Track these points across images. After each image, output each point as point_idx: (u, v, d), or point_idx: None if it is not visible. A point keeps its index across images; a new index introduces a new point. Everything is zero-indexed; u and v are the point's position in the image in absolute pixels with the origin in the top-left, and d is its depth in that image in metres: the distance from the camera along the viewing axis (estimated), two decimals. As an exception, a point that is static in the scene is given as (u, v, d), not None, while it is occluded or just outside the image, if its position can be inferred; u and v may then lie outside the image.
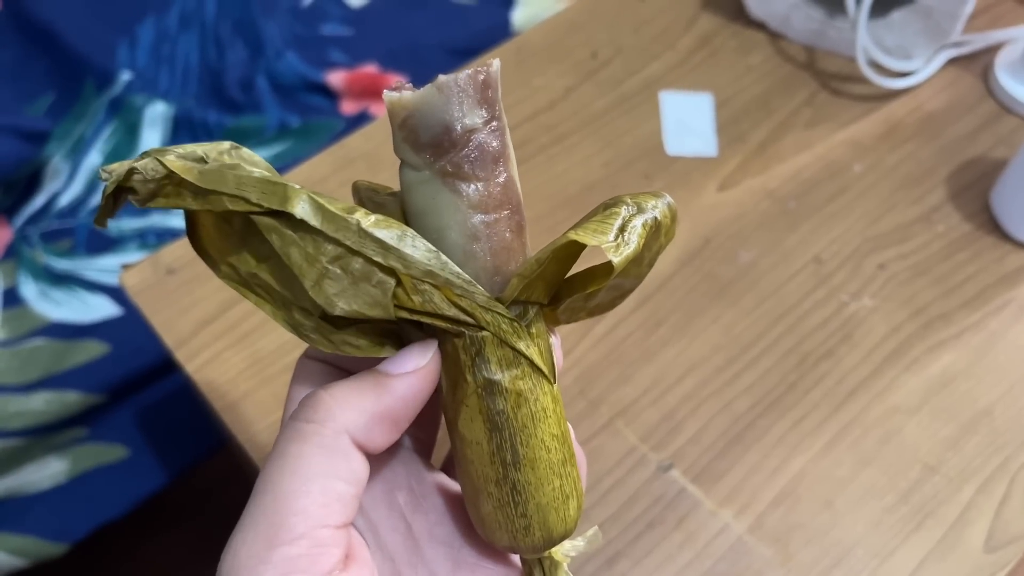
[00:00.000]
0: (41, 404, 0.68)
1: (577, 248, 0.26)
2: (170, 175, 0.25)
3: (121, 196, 0.26)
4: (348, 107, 0.83)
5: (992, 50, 0.65)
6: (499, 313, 0.26)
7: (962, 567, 0.45)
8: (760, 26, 0.67)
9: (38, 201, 0.77)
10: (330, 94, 0.83)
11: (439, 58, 0.84)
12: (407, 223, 0.27)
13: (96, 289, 0.72)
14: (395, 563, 0.28)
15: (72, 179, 0.78)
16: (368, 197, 0.29)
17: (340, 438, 0.25)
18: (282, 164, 0.78)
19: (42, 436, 0.68)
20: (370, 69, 0.84)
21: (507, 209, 0.27)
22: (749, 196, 0.58)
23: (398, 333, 0.28)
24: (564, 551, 0.31)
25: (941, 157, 0.60)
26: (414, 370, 0.26)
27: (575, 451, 0.29)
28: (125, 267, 0.53)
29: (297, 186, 0.25)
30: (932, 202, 0.58)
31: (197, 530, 0.88)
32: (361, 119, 0.82)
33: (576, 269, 0.28)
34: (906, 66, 0.63)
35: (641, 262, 0.29)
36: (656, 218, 0.28)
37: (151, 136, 0.80)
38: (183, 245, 0.55)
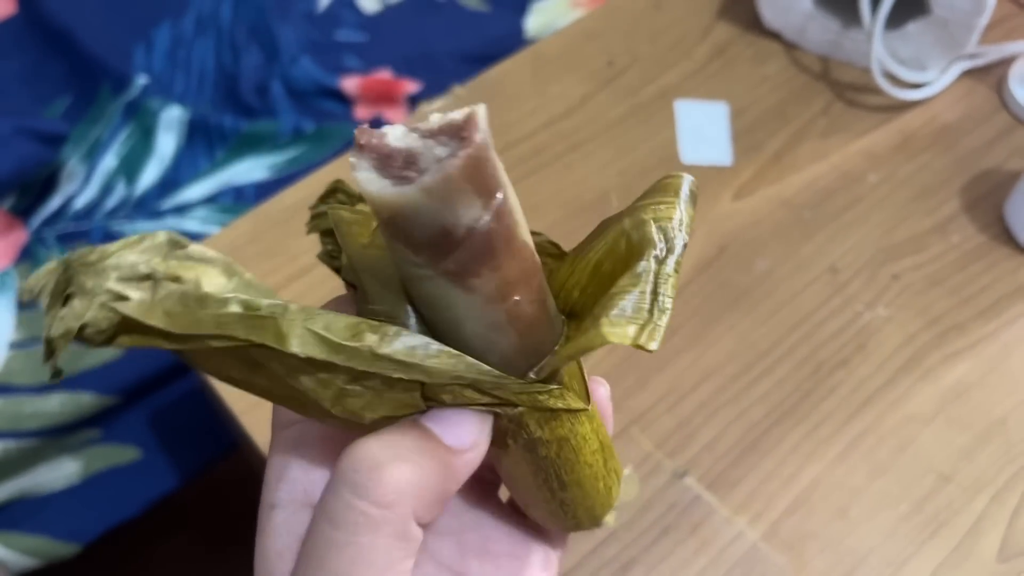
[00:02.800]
0: (56, 405, 0.68)
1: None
2: (127, 319, 0.22)
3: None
4: (362, 112, 0.83)
5: (1006, 62, 0.65)
6: (535, 392, 0.24)
7: (977, 577, 0.45)
8: (776, 36, 0.68)
9: (54, 203, 0.78)
10: (344, 99, 0.84)
11: (452, 64, 0.85)
12: (410, 301, 0.24)
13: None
14: None
15: (88, 182, 0.79)
16: (346, 242, 0.25)
17: (409, 523, 0.23)
18: (296, 168, 0.79)
19: (56, 437, 0.68)
20: (384, 75, 0.84)
21: (525, 283, 0.23)
22: (764, 205, 0.59)
23: None
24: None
25: (955, 168, 0.61)
26: (473, 446, 0.24)
27: (608, 425, 0.29)
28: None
29: (287, 312, 0.22)
30: (946, 213, 0.59)
31: (209, 532, 0.89)
32: (375, 125, 0.82)
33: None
34: (921, 77, 0.63)
35: None
36: (687, 242, 0.25)
37: (166, 140, 0.81)
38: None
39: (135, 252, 0.23)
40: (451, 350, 0.23)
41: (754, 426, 0.50)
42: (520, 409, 0.24)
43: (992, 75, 0.66)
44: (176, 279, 0.23)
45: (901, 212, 0.59)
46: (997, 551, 0.46)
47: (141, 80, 0.82)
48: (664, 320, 0.23)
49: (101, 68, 0.83)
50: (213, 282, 0.24)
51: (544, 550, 0.31)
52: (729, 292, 0.55)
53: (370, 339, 0.22)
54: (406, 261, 0.22)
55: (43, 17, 0.86)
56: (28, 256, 0.74)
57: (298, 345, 0.22)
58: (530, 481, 0.27)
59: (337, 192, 0.29)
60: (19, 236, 0.76)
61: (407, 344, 0.22)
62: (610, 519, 0.31)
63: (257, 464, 0.54)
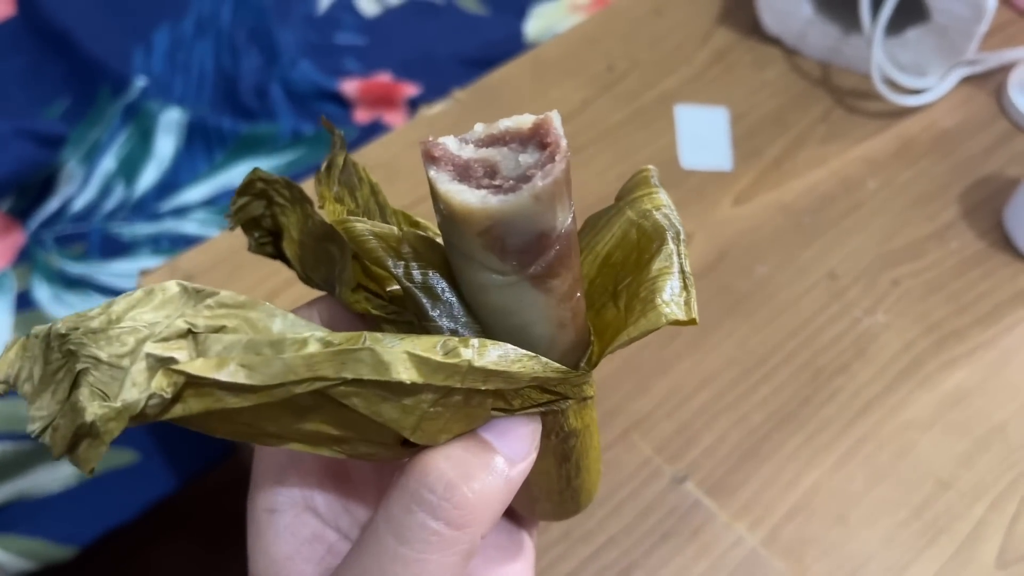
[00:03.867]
0: (53, 407, 0.68)
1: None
2: (193, 380, 0.21)
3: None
4: (361, 116, 0.83)
5: (1005, 69, 0.66)
6: (583, 382, 0.25)
7: (976, 583, 0.45)
8: (775, 42, 0.68)
9: (52, 205, 0.78)
10: (343, 103, 0.84)
11: (452, 68, 0.85)
12: (472, 309, 0.24)
13: (110, 294, 0.73)
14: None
15: (86, 183, 0.79)
16: (413, 254, 0.24)
17: (477, 541, 0.24)
18: (295, 172, 0.79)
19: (53, 439, 0.68)
20: (384, 78, 0.84)
21: (581, 278, 0.24)
22: (764, 211, 0.59)
23: None
24: None
25: (955, 174, 0.61)
26: (527, 455, 0.24)
27: None
28: (143, 273, 0.53)
29: (381, 345, 0.21)
30: (946, 219, 0.59)
31: (206, 536, 0.89)
32: (374, 128, 0.82)
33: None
34: (920, 83, 0.63)
35: None
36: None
37: (165, 142, 0.81)
38: (201, 252, 0.56)
39: (149, 310, 0.21)
40: (529, 353, 0.23)
41: (753, 431, 0.50)
42: (570, 402, 0.25)
43: (991, 81, 0.66)
44: (220, 330, 0.22)
45: (900, 218, 0.59)
46: (996, 557, 0.46)
47: (140, 82, 0.82)
48: (695, 292, 0.24)
49: (100, 70, 0.83)
50: (265, 325, 0.22)
51: (525, 536, 0.33)
52: (728, 297, 0.55)
53: (466, 353, 0.22)
54: (487, 270, 0.22)
55: (42, 18, 0.86)
56: (26, 258, 0.74)
57: (403, 372, 0.21)
58: (553, 474, 0.28)
59: (256, 183, 0.27)
60: (17, 238, 0.76)
61: (497, 353, 0.22)
62: None
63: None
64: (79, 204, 0.77)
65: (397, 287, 0.24)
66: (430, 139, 0.21)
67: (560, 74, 0.66)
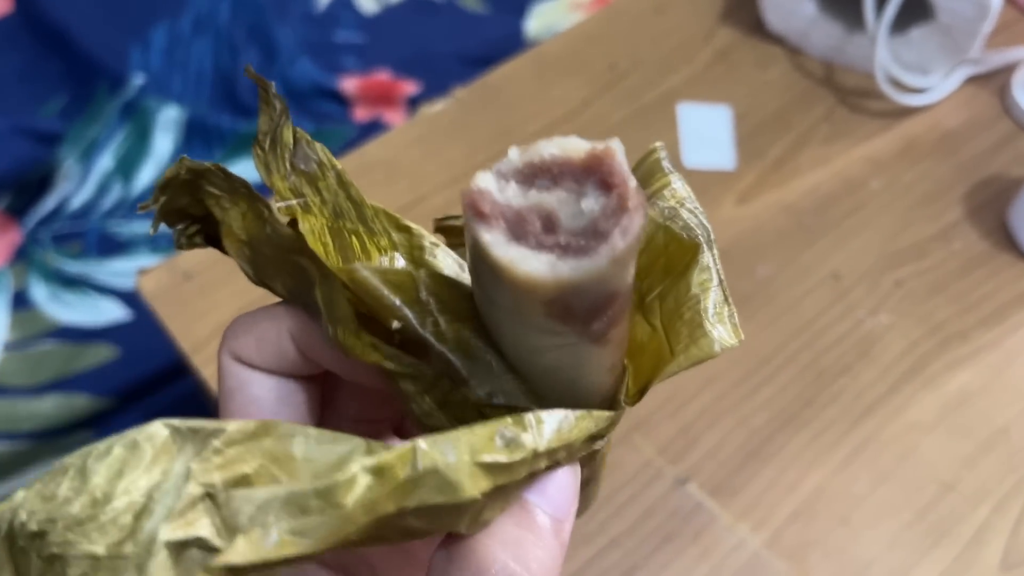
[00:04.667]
0: (50, 407, 0.67)
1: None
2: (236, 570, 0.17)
3: None
4: (361, 114, 0.83)
5: (1010, 68, 0.65)
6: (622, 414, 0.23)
7: (980, 586, 0.45)
8: (778, 40, 0.67)
9: (49, 203, 0.77)
10: (342, 101, 0.83)
11: (452, 66, 0.85)
12: (514, 365, 0.21)
13: (106, 292, 0.72)
14: None
15: (84, 182, 0.78)
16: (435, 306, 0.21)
17: None
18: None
19: (50, 439, 0.68)
20: (383, 76, 0.84)
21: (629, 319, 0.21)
22: (767, 210, 0.58)
23: None
24: None
25: (958, 175, 0.60)
26: (572, 509, 0.22)
27: None
28: (142, 272, 0.53)
29: (441, 458, 0.18)
30: (949, 219, 0.58)
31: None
32: (374, 127, 0.82)
33: None
34: (924, 83, 0.63)
35: None
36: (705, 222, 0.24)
37: (163, 140, 0.80)
38: (200, 250, 0.55)
39: (141, 472, 0.17)
40: (581, 412, 0.20)
41: (756, 433, 0.50)
42: (608, 437, 0.22)
43: (995, 81, 0.65)
44: (242, 481, 0.17)
45: (903, 218, 0.58)
46: (1000, 560, 0.46)
47: (138, 80, 0.82)
48: (733, 304, 0.22)
49: (98, 67, 0.82)
50: (286, 452, 0.18)
51: None
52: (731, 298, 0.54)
53: (527, 440, 0.19)
54: (543, 333, 0.19)
55: (40, 16, 0.85)
56: (23, 256, 0.74)
57: (472, 488, 0.18)
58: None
59: (180, 176, 0.22)
60: (13, 236, 0.75)
61: (553, 427, 0.20)
62: None
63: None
64: (77, 202, 0.77)
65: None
66: (473, 189, 0.18)
67: (561, 73, 0.66)
